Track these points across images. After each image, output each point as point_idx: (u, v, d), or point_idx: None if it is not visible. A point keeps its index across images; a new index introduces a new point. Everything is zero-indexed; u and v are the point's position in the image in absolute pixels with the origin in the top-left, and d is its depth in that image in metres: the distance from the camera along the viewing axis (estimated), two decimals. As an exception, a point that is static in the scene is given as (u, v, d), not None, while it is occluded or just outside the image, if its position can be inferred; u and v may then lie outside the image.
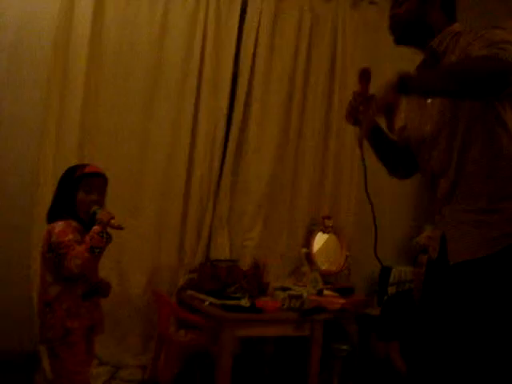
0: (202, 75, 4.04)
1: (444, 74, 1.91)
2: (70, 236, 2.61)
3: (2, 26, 3.61)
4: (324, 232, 4.46)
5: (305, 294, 3.79)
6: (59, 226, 2.62)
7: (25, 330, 3.36)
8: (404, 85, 1.85)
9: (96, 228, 2.65)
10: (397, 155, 2.33)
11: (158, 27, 3.92)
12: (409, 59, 5.02)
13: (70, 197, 2.71)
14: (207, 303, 3.63)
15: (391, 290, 4.47)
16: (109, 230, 2.66)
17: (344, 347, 4.09)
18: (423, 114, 2.14)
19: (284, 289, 3.91)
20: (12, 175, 3.64)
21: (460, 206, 2.00)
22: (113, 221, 2.69)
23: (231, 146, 4.15)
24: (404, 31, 2.20)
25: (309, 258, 4.35)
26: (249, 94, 4.21)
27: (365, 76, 2.22)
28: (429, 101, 2.11)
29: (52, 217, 2.70)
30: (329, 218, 4.45)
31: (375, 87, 1.94)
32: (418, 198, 5.05)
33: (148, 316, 3.90)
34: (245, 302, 3.61)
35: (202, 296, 3.74)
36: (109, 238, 2.66)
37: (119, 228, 2.73)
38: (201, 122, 4.04)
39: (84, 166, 2.83)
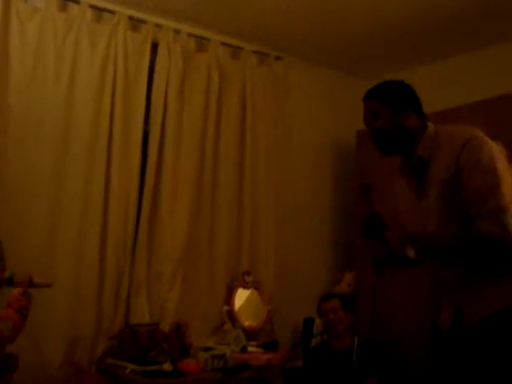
0: (112, 138, 3.98)
1: (454, 248, 2.29)
2: None
3: None
4: (244, 288, 4.44)
5: (228, 353, 3.74)
6: None
7: None
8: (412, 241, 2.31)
9: (17, 290, 2.64)
10: None
11: (65, 92, 3.84)
12: (316, 110, 5.21)
13: None
14: (128, 370, 3.52)
15: (316, 340, 4.47)
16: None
17: (272, 402, 4.06)
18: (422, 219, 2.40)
19: (207, 349, 3.85)
20: None
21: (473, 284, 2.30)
22: (36, 280, 2.71)
23: (145, 207, 4.09)
24: (387, 142, 2.41)
25: (230, 315, 4.30)
26: (160, 153, 4.18)
27: (365, 192, 2.45)
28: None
29: None
30: (248, 273, 4.44)
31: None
32: (335, 247, 5.13)
33: (67, 388, 3.74)
34: (167, 367, 3.52)
35: (122, 363, 3.62)
36: (31, 299, 2.67)
37: (47, 285, 2.73)
38: (113, 185, 3.95)
39: None
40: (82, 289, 3.84)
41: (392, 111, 2.37)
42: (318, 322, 4.52)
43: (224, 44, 4.58)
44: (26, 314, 2.62)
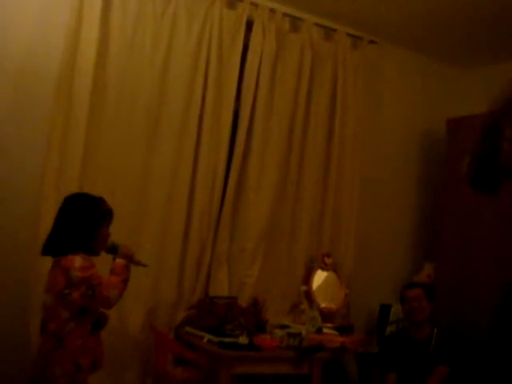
0: (204, 113, 4.07)
1: None
2: (95, 270, 2.64)
3: (5, 63, 3.63)
4: (323, 269, 4.46)
5: (303, 332, 3.77)
6: (78, 260, 2.62)
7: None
8: None
9: (122, 261, 2.76)
10: None
11: (161, 65, 3.95)
12: (407, 96, 5.14)
13: (93, 230, 2.73)
14: (205, 340, 3.61)
15: (391, 328, 4.45)
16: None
17: (344, 386, 4.08)
18: None
19: (283, 326, 3.89)
20: (13, 209, 3.61)
21: None
22: (136, 257, 2.85)
23: (231, 183, 4.16)
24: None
25: (308, 295, 4.33)
26: (249, 131, 4.24)
27: None
28: None
29: (63, 249, 2.67)
30: (328, 255, 4.45)
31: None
32: (416, 236, 5.07)
33: (146, 352, 3.85)
34: (243, 340, 3.58)
35: (200, 333, 3.72)
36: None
37: (144, 265, 2.87)
38: (201, 159, 4.06)
39: (100, 199, 2.86)
40: (166, 258, 3.96)
41: None
42: (394, 309, 4.50)
43: (317, 25, 4.56)
44: (126, 286, 2.72)
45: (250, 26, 4.29)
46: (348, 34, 4.68)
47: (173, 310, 3.96)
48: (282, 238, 4.36)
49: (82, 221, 2.73)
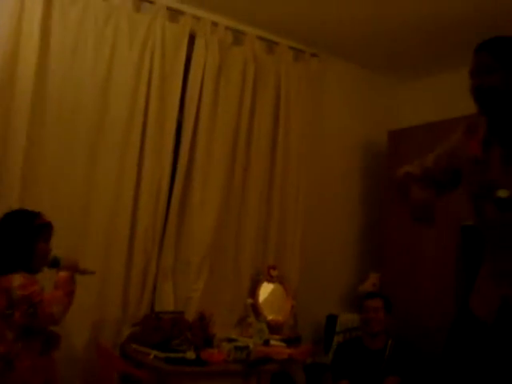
0: (147, 127, 4.03)
1: None
2: (36, 287, 2.57)
3: None
4: (269, 282, 4.46)
5: (251, 345, 3.75)
6: (17, 279, 2.55)
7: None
8: None
9: (64, 273, 2.70)
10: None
11: (103, 75, 3.90)
12: (349, 109, 5.22)
13: (29, 246, 2.65)
14: (151, 356, 3.55)
15: (338, 338, 4.48)
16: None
17: (292, 398, 4.08)
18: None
19: (230, 340, 3.87)
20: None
21: None
22: (81, 266, 2.78)
23: (176, 195, 4.13)
24: (494, 101, 2.14)
25: (254, 308, 4.32)
26: (193, 144, 4.22)
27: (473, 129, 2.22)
28: None
29: (2, 269, 2.60)
30: (274, 267, 4.45)
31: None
32: (362, 247, 5.12)
33: (91, 370, 3.77)
34: (190, 355, 3.54)
35: (146, 349, 3.65)
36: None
37: (91, 273, 2.79)
38: (145, 173, 4.01)
39: (35, 213, 2.79)
40: (110, 274, 3.89)
41: (506, 70, 2.11)
42: (341, 319, 4.54)
43: (260, 38, 4.59)
44: (72, 299, 2.65)
45: (192, 39, 4.28)
46: (290, 47, 4.73)
47: (118, 326, 3.89)
48: (227, 251, 4.34)
49: (16, 238, 2.68)
